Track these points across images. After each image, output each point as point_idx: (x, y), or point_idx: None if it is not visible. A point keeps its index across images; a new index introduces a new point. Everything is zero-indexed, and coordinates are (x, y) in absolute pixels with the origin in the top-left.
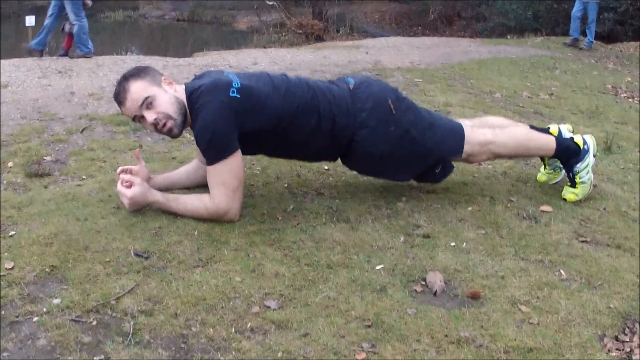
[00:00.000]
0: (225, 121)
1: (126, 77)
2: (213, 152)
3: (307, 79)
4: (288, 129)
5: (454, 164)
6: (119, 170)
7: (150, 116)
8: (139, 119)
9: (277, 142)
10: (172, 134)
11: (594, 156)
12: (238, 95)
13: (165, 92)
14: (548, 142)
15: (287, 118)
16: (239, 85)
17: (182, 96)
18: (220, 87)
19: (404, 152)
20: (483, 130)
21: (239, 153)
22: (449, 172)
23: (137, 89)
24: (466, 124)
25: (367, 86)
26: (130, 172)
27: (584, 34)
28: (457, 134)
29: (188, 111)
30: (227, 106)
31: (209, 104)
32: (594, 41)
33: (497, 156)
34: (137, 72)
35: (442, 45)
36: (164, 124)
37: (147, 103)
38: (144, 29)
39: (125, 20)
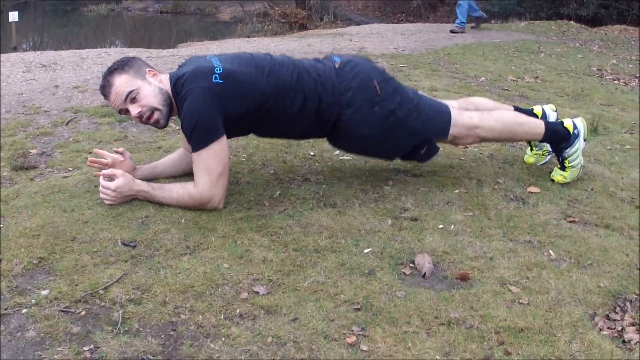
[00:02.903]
0: (209, 107)
1: (110, 71)
2: (197, 139)
3: (293, 58)
4: (273, 110)
5: (440, 146)
6: (89, 161)
7: (134, 110)
8: (124, 112)
9: (263, 123)
10: (158, 125)
11: (585, 140)
12: (221, 81)
13: (149, 84)
14: (537, 126)
15: (271, 99)
16: (222, 71)
17: (167, 86)
18: (203, 73)
19: (389, 133)
20: (470, 114)
21: (223, 139)
22: (434, 153)
23: (121, 83)
24: (453, 105)
25: (353, 66)
26: (103, 164)
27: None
28: (444, 116)
29: (174, 100)
30: (211, 92)
31: (193, 91)
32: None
33: (483, 140)
34: (122, 66)
35: (426, 31)
36: (149, 116)
37: (131, 97)
38: (128, 22)
39: (109, 13)
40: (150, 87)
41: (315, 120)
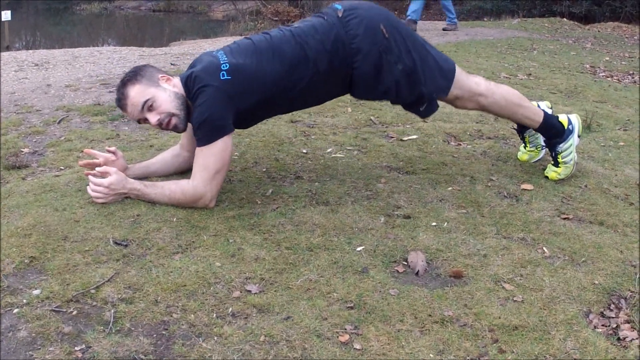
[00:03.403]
0: (219, 105)
1: (124, 83)
2: (202, 134)
3: (290, 28)
4: (287, 87)
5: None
6: (82, 162)
7: (153, 118)
8: (143, 121)
9: (281, 103)
10: (178, 130)
11: (579, 136)
12: (229, 77)
13: (164, 90)
14: (536, 114)
15: (284, 78)
16: (228, 67)
17: (181, 89)
18: (210, 71)
19: (398, 75)
20: (477, 80)
21: (228, 139)
22: (434, 110)
23: (136, 94)
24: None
25: (356, 12)
26: (95, 165)
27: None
28: (449, 69)
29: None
30: (220, 90)
31: (204, 89)
32: (574, 22)
33: (483, 109)
34: (134, 76)
35: (418, 28)
36: (168, 122)
37: (148, 106)
38: (120, 20)
39: (101, 12)
40: (166, 94)
41: (331, 80)
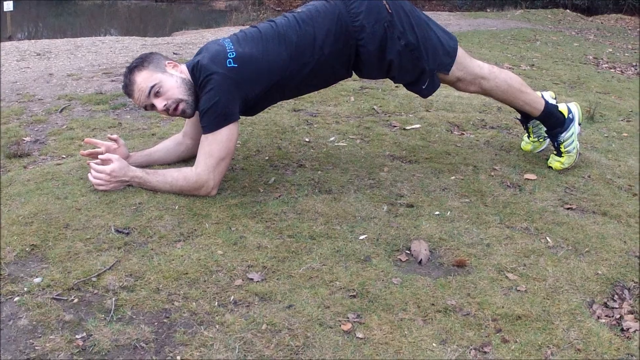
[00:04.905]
0: (226, 93)
1: (131, 69)
2: (208, 121)
3: (294, 14)
4: (294, 72)
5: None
6: (84, 152)
7: (160, 103)
8: (150, 107)
9: (290, 87)
10: (185, 115)
11: (580, 125)
12: (236, 65)
13: (170, 76)
14: (537, 101)
15: (290, 64)
16: (235, 55)
17: (188, 75)
18: (216, 59)
19: (401, 50)
20: (481, 64)
21: (234, 126)
22: (436, 88)
23: (142, 79)
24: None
25: None
26: (97, 154)
27: None
28: (452, 46)
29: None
30: (227, 78)
31: (211, 77)
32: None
33: (485, 92)
34: (141, 62)
35: None
36: (175, 108)
37: (155, 92)
38: (123, 10)
39: (104, 2)
40: (172, 79)
41: (337, 61)
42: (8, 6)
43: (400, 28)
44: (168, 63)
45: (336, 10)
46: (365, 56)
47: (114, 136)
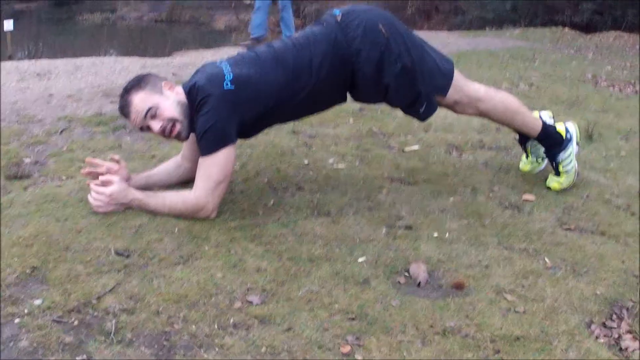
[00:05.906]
0: (223, 115)
1: (127, 90)
2: (206, 143)
3: (290, 38)
4: (291, 95)
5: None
6: (84, 171)
7: (155, 125)
8: (146, 129)
9: (286, 111)
10: (180, 138)
11: (578, 144)
12: (232, 87)
13: (167, 98)
14: (535, 122)
15: (287, 86)
16: (232, 77)
17: (183, 97)
18: (213, 81)
19: (398, 74)
20: (477, 86)
21: (231, 148)
22: (433, 111)
23: (140, 101)
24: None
25: (355, 14)
26: (97, 174)
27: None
28: (448, 68)
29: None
30: (224, 99)
31: (208, 99)
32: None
33: (482, 115)
34: (138, 83)
35: None
36: (171, 129)
37: (151, 114)
38: (123, 30)
39: (104, 22)
40: (169, 101)
41: (334, 85)
42: (8, 26)
43: (396, 51)
44: (165, 84)
45: (332, 34)
46: (362, 80)
47: (116, 157)
